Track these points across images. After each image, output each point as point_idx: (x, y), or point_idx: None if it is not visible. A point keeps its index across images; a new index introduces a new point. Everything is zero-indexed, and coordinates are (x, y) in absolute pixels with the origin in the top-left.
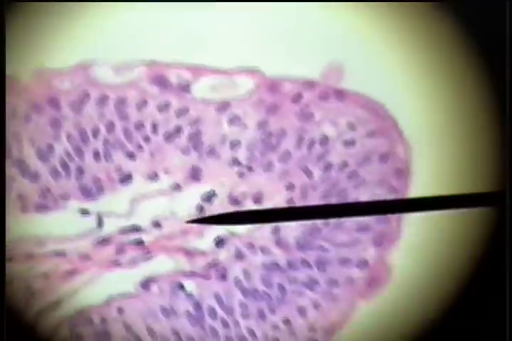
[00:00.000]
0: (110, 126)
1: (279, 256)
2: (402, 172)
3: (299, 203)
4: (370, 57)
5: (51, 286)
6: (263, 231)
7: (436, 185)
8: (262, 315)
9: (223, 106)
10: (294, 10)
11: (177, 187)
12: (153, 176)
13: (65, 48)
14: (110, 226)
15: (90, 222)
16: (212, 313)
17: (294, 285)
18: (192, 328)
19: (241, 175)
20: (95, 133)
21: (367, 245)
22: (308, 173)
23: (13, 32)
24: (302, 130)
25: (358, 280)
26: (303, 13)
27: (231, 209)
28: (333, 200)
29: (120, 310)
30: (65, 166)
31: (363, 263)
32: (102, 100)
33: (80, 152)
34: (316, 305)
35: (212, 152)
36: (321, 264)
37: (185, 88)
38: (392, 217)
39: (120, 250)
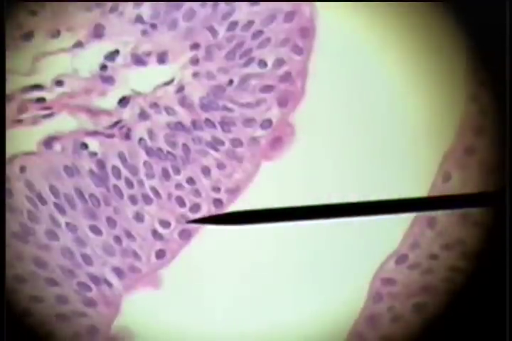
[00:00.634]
0: None
1: (184, 115)
2: (307, 32)
3: (203, 63)
4: None
5: None
6: (167, 90)
7: (340, 46)
8: (166, 175)
9: None
10: None
11: (79, 44)
12: (55, 33)
13: None
14: (12, 85)
15: None
16: (116, 172)
17: (198, 145)
18: (96, 187)
19: (144, 33)
20: None
21: (271, 105)
22: (213, 32)
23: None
24: None
25: (261, 140)
26: None
27: (134, 67)
28: (238, 60)
29: (22, 168)
30: None
31: (267, 123)
32: None
33: None
34: (220, 165)
35: (115, 9)
36: (225, 124)
37: None
38: (296, 77)
39: (22, 108)
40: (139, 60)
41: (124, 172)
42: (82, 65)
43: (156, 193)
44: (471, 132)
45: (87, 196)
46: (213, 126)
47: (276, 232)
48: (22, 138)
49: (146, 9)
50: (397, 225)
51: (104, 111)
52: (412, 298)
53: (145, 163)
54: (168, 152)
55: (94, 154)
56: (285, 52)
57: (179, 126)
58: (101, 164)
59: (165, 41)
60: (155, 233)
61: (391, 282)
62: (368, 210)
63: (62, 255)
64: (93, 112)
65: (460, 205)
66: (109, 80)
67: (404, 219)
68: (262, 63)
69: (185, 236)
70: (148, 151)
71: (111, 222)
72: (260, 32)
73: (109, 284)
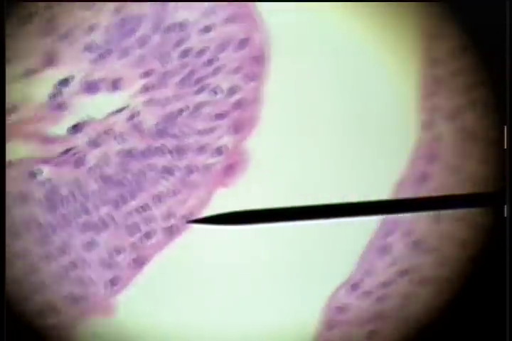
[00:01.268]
0: None
1: (136, 142)
2: (260, 59)
3: (155, 90)
4: None
5: None
6: (120, 117)
7: (293, 72)
8: (119, 202)
9: None
10: None
11: (31, 72)
12: (7, 61)
13: None
14: None
15: None
16: (69, 200)
17: (151, 172)
18: (47, 215)
19: (97, 60)
20: None
21: (224, 132)
22: (166, 59)
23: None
24: (159, 15)
25: (215, 167)
26: None
27: (86, 95)
28: (191, 87)
29: None
30: None
31: (220, 150)
32: None
33: None
34: (173, 192)
35: (67, 36)
36: (179, 151)
37: None
38: (249, 104)
39: None
40: (91, 87)
41: (76, 199)
42: (34, 93)
43: (109, 220)
44: (424, 159)
45: (38, 224)
46: (166, 153)
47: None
48: None
49: (98, 36)
50: (351, 252)
51: (56, 138)
52: (366, 326)
53: (97, 189)
54: (121, 179)
55: (45, 181)
56: (238, 80)
57: (132, 153)
58: (53, 191)
59: (117, 68)
60: (108, 260)
61: (344, 310)
62: (368, 210)
63: (13, 283)
64: (45, 139)
65: (460, 205)
66: (61, 107)
67: (356, 249)
68: (215, 90)
69: (139, 263)
70: (101, 178)
71: (63, 249)
72: (213, 59)
73: (62, 312)
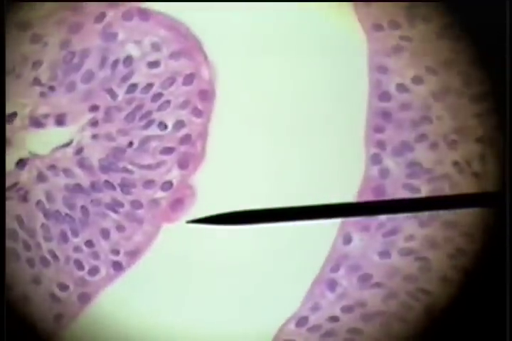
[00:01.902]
0: None
1: (83, 177)
2: (207, 95)
3: (102, 124)
4: None
5: None
6: (66, 152)
7: (239, 109)
8: (64, 238)
9: (24, 24)
10: None
11: None
12: None
13: None
14: None
15: None
16: (14, 235)
17: (97, 207)
18: None
19: (43, 95)
20: None
21: (171, 167)
22: (112, 94)
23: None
24: (105, 50)
25: (162, 202)
26: None
27: (33, 130)
28: (138, 122)
29: None
30: None
31: (167, 185)
32: None
33: None
34: (120, 227)
35: (12, 71)
36: (125, 186)
37: None
38: (196, 139)
39: None
40: (36, 122)
41: (22, 234)
42: None
43: (54, 256)
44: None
45: None
46: (113, 187)
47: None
48: None
49: (44, 71)
50: (298, 287)
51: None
52: None
53: (43, 225)
54: (67, 214)
55: None
56: (185, 115)
57: (78, 188)
58: None
59: (63, 103)
60: (53, 296)
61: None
62: (368, 210)
63: None
64: None
65: (460, 205)
66: (6, 142)
67: (304, 282)
68: (162, 125)
69: (85, 299)
70: (46, 214)
71: (8, 285)
72: (160, 94)
73: None
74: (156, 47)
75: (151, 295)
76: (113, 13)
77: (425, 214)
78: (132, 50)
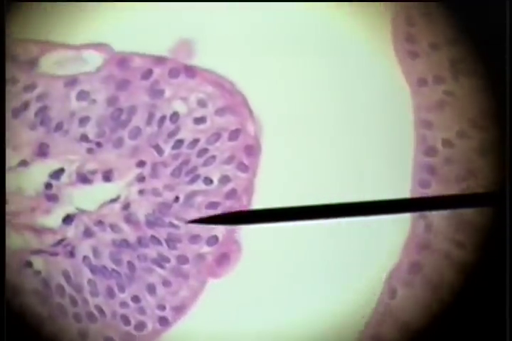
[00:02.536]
0: None
1: (129, 232)
2: (253, 150)
3: (149, 180)
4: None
5: None
6: (113, 207)
7: (285, 164)
8: (111, 293)
9: (71, 81)
10: None
11: (24, 163)
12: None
13: None
14: None
15: None
16: (61, 291)
17: (143, 262)
18: (40, 306)
19: (90, 151)
20: None
21: None
22: (159, 150)
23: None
24: (152, 106)
25: (208, 257)
26: None
27: (80, 186)
28: (184, 177)
29: None
30: None
31: (213, 240)
32: None
33: None
34: (166, 282)
35: (60, 128)
36: (171, 241)
37: (32, 63)
38: (242, 194)
39: None
40: (84, 178)
41: (69, 290)
42: (26, 184)
43: (101, 311)
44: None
45: (31, 315)
46: (159, 242)
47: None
48: None
49: (91, 128)
50: None
51: (48, 229)
52: None
53: (89, 281)
54: (113, 270)
55: (38, 272)
56: (230, 170)
57: (124, 243)
58: (45, 282)
59: (110, 159)
60: None
61: None
62: (367, 210)
63: None
64: (37, 230)
65: (460, 205)
66: (53, 198)
67: None
68: (208, 180)
69: None
70: (93, 269)
71: (56, 340)
72: (205, 150)
73: None
74: (202, 103)
75: None
76: (160, 70)
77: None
78: (179, 106)
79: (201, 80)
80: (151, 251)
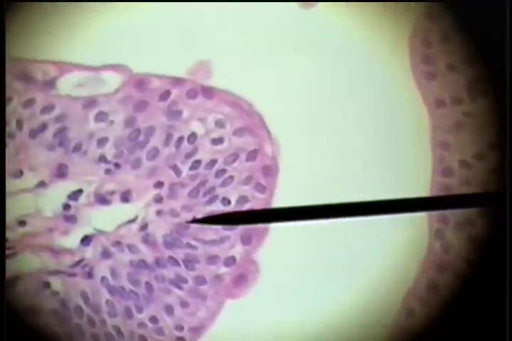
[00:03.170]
0: None
1: (147, 253)
2: (270, 170)
3: (167, 201)
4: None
5: None
6: (131, 228)
7: (303, 184)
8: (128, 314)
9: (90, 102)
10: (154, 9)
11: (42, 184)
12: (18, 173)
13: None
14: None
15: None
16: (79, 311)
17: (161, 283)
18: (58, 326)
19: (108, 172)
20: None
21: (234, 242)
22: (177, 171)
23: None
24: (170, 127)
25: (225, 278)
26: (166, 12)
27: (98, 207)
28: (202, 198)
29: None
30: None
31: (230, 261)
32: None
33: None
34: (184, 303)
35: (78, 149)
36: (189, 262)
37: (50, 84)
38: None
39: None
40: (102, 199)
41: (87, 310)
42: (45, 205)
43: (119, 332)
44: (435, 269)
45: (49, 335)
46: (177, 263)
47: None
48: None
49: (109, 149)
50: None
51: (66, 250)
52: None
53: (107, 301)
54: (131, 290)
55: (56, 293)
56: (248, 190)
57: (142, 264)
58: (63, 303)
59: (128, 180)
60: None
61: None
62: (368, 210)
63: None
64: (56, 251)
65: (460, 205)
66: (71, 219)
67: None
68: (226, 201)
69: None
70: (111, 290)
71: None
72: (223, 170)
73: None
74: (219, 124)
75: None
76: (178, 91)
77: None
78: (196, 127)
79: (219, 101)
80: (169, 272)
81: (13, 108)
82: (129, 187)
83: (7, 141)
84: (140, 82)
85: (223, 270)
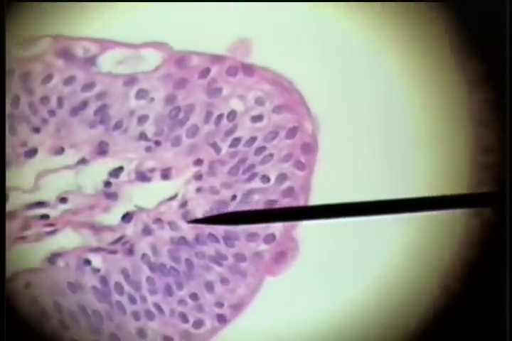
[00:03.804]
0: (15, 100)
1: (187, 230)
2: (310, 148)
3: (206, 178)
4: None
5: None
6: (171, 205)
7: (342, 162)
8: (169, 290)
9: (130, 79)
10: None
11: (83, 161)
12: (59, 150)
13: None
14: (15, 201)
15: None
16: (119, 288)
17: (201, 259)
18: (99, 303)
19: (149, 149)
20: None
21: None
22: (216, 148)
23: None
24: (210, 105)
25: (265, 255)
26: None
27: (139, 184)
28: (241, 175)
29: (27, 285)
30: None
31: (270, 238)
32: (7, 74)
33: None
34: (224, 280)
35: (119, 126)
36: (229, 239)
37: (91, 61)
38: (299, 191)
39: (26, 225)
40: (142, 177)
41: (127, 288)
42: (86, 182)
43: (159, 309)
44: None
45: (90, 312)
46: (216, 240)
47: None
48: (26, 255)
49: (150, 126)
50: None
51: (107, 227)
52: None
53: (148, 278)
54: (172, 267)
55: (97, 270)
56: (288, 168)
57: (182, 241)
58: (104, 280)
59: (168, 157)
60: None
61: None
62: (367, 210)
63: None
64: (96, 228)
65: (460, 205)
66: (112, 196)
67: None
68: (265, 178)
69: None
70: (151, 267)
71: (114, 338)
72: (263, 148)
73: None
74: (259, 101)
75: None
76: (217, 68)
77: None
78: (236, 104)
79: (259, 78)
80: (209, 249)
81: (54, 85)
82: (169, 164)
83: (48, 118)
84: (180, 60)
85: (263, 247)
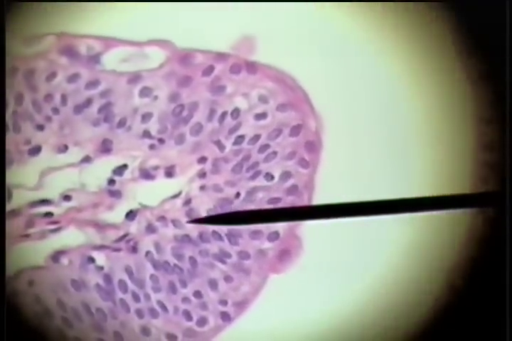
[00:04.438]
0: (19, 98)
1: (191, 228)
2: (314, 145)
3: (210, 176)
4: (282, 30)
5: None
6: (175, 203)
7: (346, 160)
8: (172, 288)
9: (134, 77)
10: None
11: (87, 159)
12: (63, 148)
13: None
14: (19, 199)
15: None
16: (123, 286)
17: (205, 257)
18: (102, 301)
19: (152, 147)
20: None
21: None
22: (220, 146)
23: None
24: (214, 102)
25: (269, 253)
26: None
27: (142, 182)
28: (245, 173)
29: (31, 283)
30: None
31: (274, 236)
32: (8, 73)
33: None
34: (227, 278)
35: (123, 124)
36: (233, 236)
37: (95, 59)
38: (303, 189)
39: (29, 223)
40: (146, 174)
41: (131, 285)
42: (89, 180)
43: (163, 307)
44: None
45: (93, 310)
46: (220, 238)
47: None
48: (30, 253)
49: (153, 124)
50: None
51: (111, 225)
52: None
53: (152, 276)
54: (175, 265)
55: (101, 268)
56: (292, 166)
57: (186, 238)
58: (108, 278)
59: (172, 155)
60: None
61: None
62: (368, 210)
63: None
64: (100, 226)
65: (460, 205)
66: (116, 194)
67: None
68: (269, 176)
69: None
70: (155, 264)
71: (118, 335)
72: (267, 145)
73: None
74: (263, 99)
75: None
76: (221, 66)
77: None
78: (240, 102)
79: (262, 76)
80: (213, 247)
81: (58, 83)
82: (172, 162)
83: (51, 115)
84: (184, 58)
85: (267, 245)
